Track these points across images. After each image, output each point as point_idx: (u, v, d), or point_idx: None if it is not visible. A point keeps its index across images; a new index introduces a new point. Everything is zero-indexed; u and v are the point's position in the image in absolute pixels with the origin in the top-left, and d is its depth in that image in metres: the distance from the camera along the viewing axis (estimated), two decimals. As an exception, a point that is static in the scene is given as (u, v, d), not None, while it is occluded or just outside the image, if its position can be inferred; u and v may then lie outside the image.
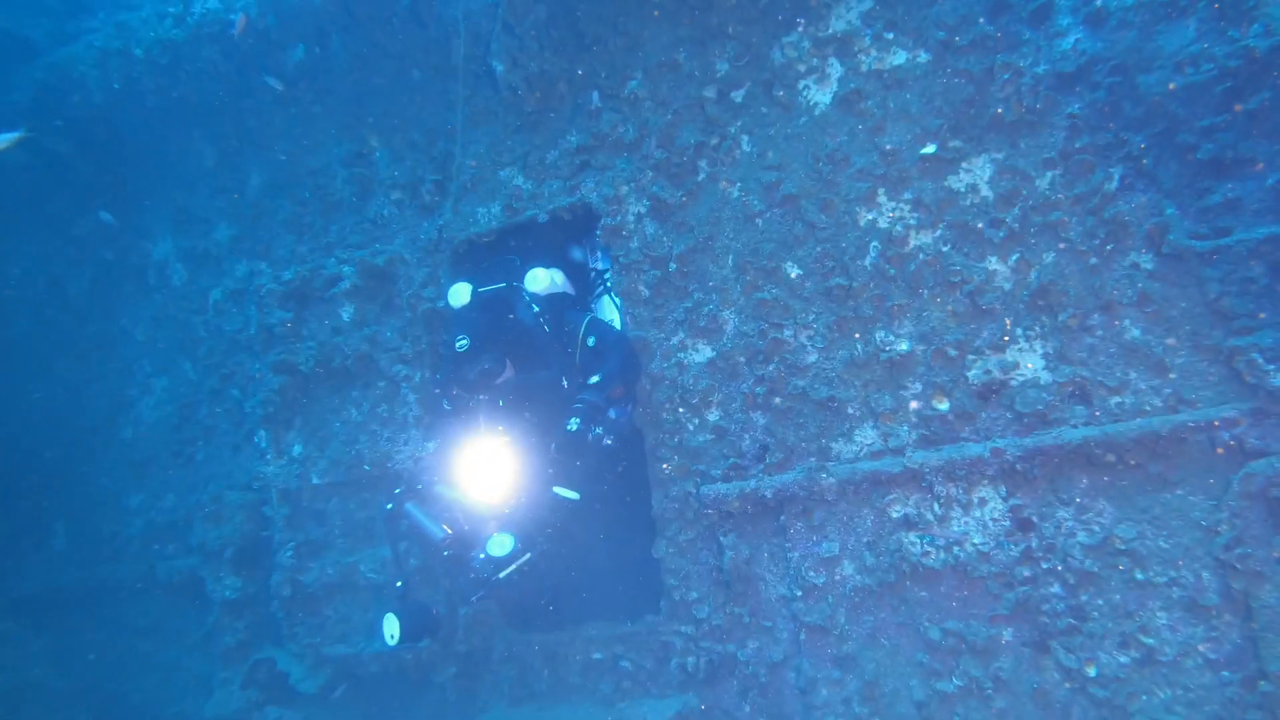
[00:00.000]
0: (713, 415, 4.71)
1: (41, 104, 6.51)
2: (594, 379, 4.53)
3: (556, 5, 5.16)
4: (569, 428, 4.32)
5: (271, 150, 6.36)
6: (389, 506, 4.50)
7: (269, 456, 5.61)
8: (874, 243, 4.39)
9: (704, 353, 4.77)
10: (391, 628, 4.25)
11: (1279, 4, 3.64)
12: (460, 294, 5.02)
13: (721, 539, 4.49)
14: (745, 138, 4.83)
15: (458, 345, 4.62)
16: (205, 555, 5.94)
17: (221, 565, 5.87)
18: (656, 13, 5.05)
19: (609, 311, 5.24)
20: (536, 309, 4.88)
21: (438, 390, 5.01)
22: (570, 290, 5.22)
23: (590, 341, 4.76)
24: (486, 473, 4.40)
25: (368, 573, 5.22)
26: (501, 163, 5.48)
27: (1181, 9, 3.91)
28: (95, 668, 6.53)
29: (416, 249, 5.60)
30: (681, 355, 4.81)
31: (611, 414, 4.69)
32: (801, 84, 4.69)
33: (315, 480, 5.51)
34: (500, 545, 4.22)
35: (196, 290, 6.63)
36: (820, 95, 4.64)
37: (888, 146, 4.39)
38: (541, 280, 5.02)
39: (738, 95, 4.86)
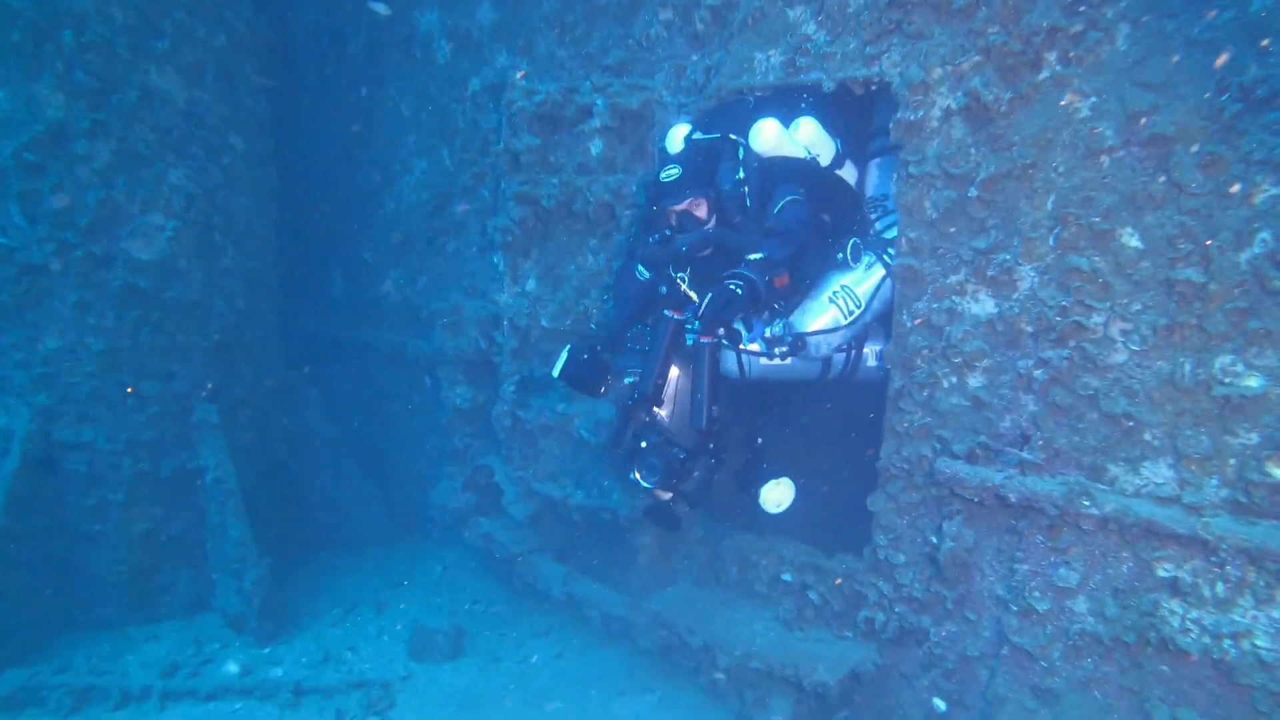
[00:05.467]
0: (974, 380, 3.98)
1: None
2: (755, 255, 3.86)
3: None
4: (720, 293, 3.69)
5: (541, -75, 5.54)
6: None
7: (505, 283, 5.55)
8: (1264, 234, 3.17)
9: (985, 306, 3.92)
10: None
11: None
12: (675, 137, 4.37)
13: (945, 524, 4.01)
14: (1125, 28, 3.47)
15: (663, 175, 4.06)
16: (442, 360, 6.26)
17: (455, 373, 6.18)
18: None
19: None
20: (741, 175, 4.08)
21: (638, 255, 4.43)
22: (825, 153, 4.29)
23: (777, 209, 4.04)
24: None
25: (581, 429, 5.25)
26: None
27: None
28: (357, 421, 7.44)
29: (678, 91, 4.85)
30: (956, 301, 3.99)
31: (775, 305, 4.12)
32: (1238, -40, 3.18)
33: (544, 323, 5.44)
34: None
35: (458, 75, 6.30)
36: (1262, -7, 3.15)
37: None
38: (768, 137, 4.14)
39: (1130, -34, 3.43)
